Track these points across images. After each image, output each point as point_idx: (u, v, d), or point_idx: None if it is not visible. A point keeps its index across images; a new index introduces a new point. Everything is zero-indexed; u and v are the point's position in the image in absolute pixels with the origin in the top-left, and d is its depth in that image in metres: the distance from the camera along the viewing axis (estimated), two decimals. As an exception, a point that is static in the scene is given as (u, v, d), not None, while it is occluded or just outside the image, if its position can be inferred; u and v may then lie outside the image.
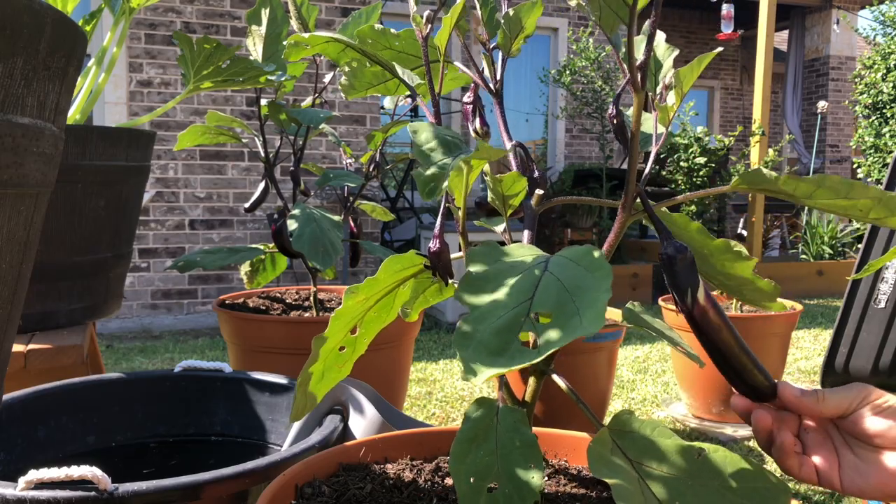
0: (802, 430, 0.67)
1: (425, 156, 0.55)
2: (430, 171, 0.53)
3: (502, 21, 0.72)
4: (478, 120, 0.74)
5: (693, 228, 0.72)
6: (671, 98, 0.73)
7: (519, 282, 0.52)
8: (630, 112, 0.65)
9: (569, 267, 0.53)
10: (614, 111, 0.67)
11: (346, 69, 0.81)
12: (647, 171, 0.70)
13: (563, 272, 0.53)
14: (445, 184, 0.52)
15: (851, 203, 0.61)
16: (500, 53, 0.75)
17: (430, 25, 0.71)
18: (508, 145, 0.71)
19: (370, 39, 0.77)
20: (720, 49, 0.90)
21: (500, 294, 0.52)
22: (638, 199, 0.66)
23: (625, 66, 0.62)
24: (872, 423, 0.62)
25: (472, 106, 0.74)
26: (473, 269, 0.54)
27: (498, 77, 0.74)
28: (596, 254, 0.54)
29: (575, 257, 0.54)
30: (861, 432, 0.63)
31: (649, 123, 0.74)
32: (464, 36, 0.75)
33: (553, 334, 0.47)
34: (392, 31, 0.78)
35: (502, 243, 0.64)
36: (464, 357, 0.47)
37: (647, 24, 0.63)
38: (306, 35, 0.75)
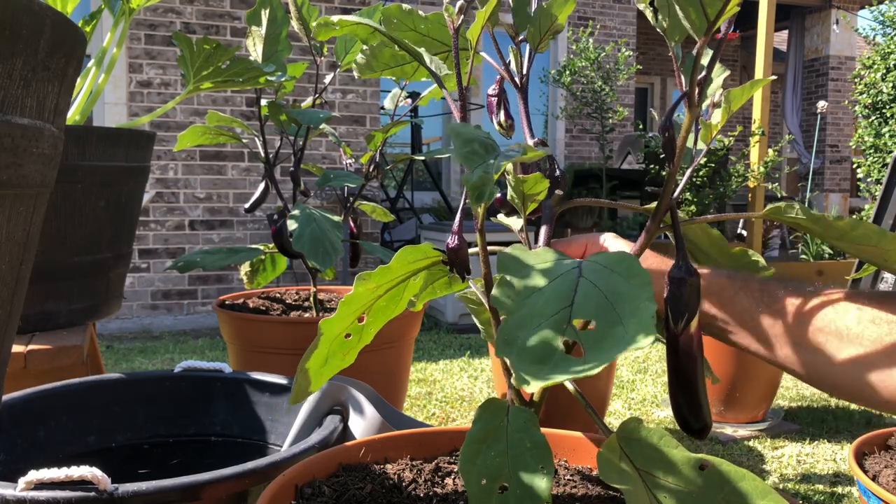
0: None
1: (469, 159, 0.54)
2: (477, 176, 0.52)
3: (533, 14, 0.71)
4: (502, 113, 0.73)
5: (713, 236, 0.72)
6: (717, 116, 0.72)
7: (555, 287, 0.52)
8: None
9: (604, 273, 0.52)
10: (666, 123, 0.65)
11: (365, 48, 0.80)
12: (681, 185, 0.70)
13: (599, 279, 0.51)
14: (493, 187, 0.52)
15: (881, 251, 0.61)
16: (528, 47, 0.74)
17: (461, 17, 0.70)
18: (531, 142, 0.70)
19: (395, 19, 0.76)
20: (774, 77, 0.90)
21: (538, 300, 0.51)
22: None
23: (682, 79, 0.61)
24: None
25: (496, 98, 0.74)
26: (506, 271, 0.53)
27: (524, 71, 0.73)
28: (632, 261, 0.52)
29: (609, 263, 0.53)
30: None
31: (689, 139, 0.74)
32: (493, 27, 0.74)
33: (599, 346, 0.46)
34: (420, 13, 0.77)
35: (507, 243, 0.64)
36: (513, 365, 0.47)
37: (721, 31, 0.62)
38: (336, 18, 0.74)
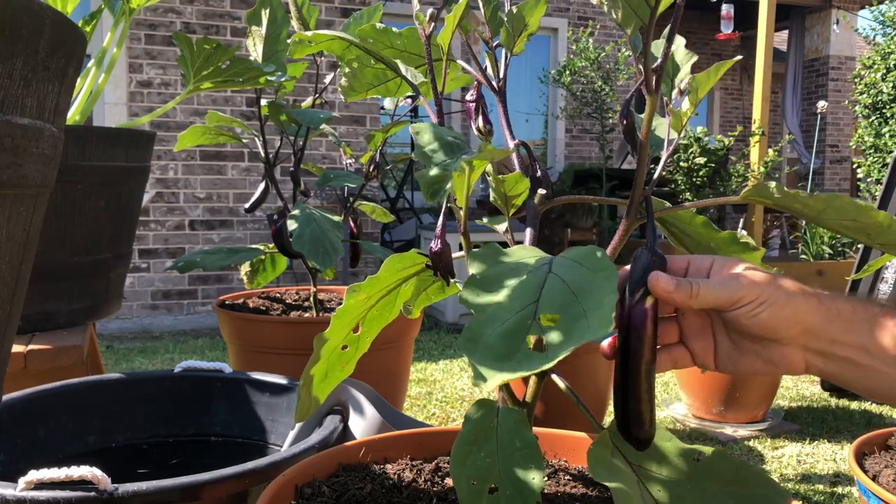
0: (681, 313, 0.65)
1: (428, 157, 0.55)
2: (433, 173, 0.53)
3: (505, 19, 0.71)
4: (481, 118, 0.73)
5: (698, 223, 0.72)
6: (686, 104, 0.72)
7: (523, 284, 0.52)
8: (641, 116, 0.64)
9: (573, 268, 0.52)
10: (624, 112, 0.65)
11: (346, 70, 0.81)
12: (656, 175, 0.70)
13: (567, 273, 0.52)
14: (449, 185, 0.52)
15: (860, 226, 0.61)
16: (504, 51, 0.74)
17: (433, 24, 0.70)
18: (511, 144, 0.71)
19: (371, 38, 0.77)
20: (739, 58, 0.89)
21: (505, 296, 0.51)
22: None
23: (641, 67, 0.61)
24: (747, 325, 0.59)
25: (475, 104, 0.74)
26: (476, 271, 0.54)
27: (501, 75, 0.74)
28: (599, 254, 0.53)
29: (578, 258, 0.53)
30: (736, 327, 0.61)
31: (661, 128, 0.74)
32: (467, 34, 0.74)
33: (561, 338, 0.46)
34: (394, 29, 0.78)
35: (504, 244, 0.64)
36: (473, 362, 0.47)
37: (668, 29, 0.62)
38: (310, 33, 0.75)
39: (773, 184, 0.60)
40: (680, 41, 0.74)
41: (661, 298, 0.59)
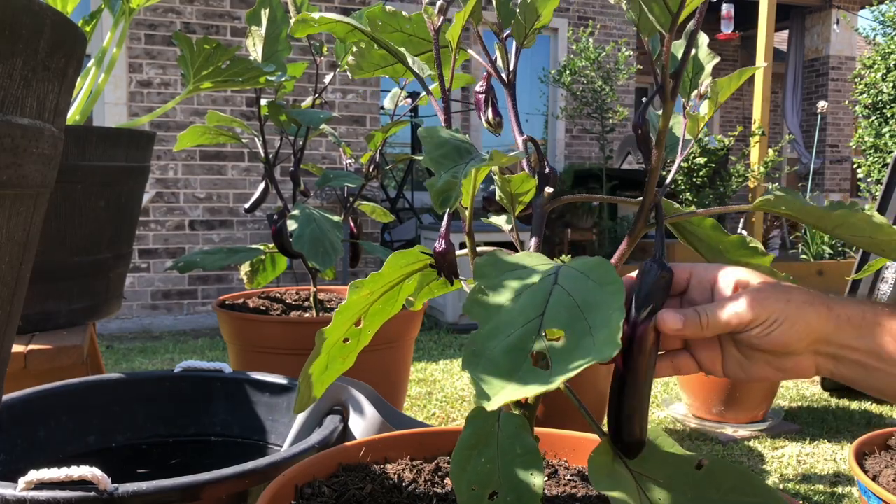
0: None
1: (437, 163, 0.53)
2: (443, 181, 0.51)
3: (517, 10, 0.70)
4: (490, 110, 0.72)
5: (707, 225, 0.72)
6: (704, 108, 0.71)
7: (529, 296, 0.51)
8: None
9: (579, 280, 0.51)
10: (639, 120, 0.64)
11: (354, 49, 0.80)
12: (669, 179, 0.69)
13: (573, 286, 0.51)
14: (459, 193, 0.51)
15: (875, 242, 0.61)
16: (514, 43, 0.73)
17: (441, 17, 0.69)
18: (520, 139, 0.70)
19: (380, 21, 0.76)
20: (765, 64, 0.88)
21: (510, 309, 0.50)
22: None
23: (658, 71, 0.60)
24: (758, 343, 0.59)
25: (484, 95, 0.73)
26: (481, 280, 0.52)
27: (511, 67, 0.73)
28: (607, 267, 0.52)
29: (585, 269, 0.52)
30: (747, 343, 0.60)
31: (674, 130, 0.73)
32: (477, 24, 0.73)
33: (566, 358, 0.45)
34: (403, 13, 0.76)
35: (510, 243, 0.64)
36: (475, 378, 0.46)
37: (690, 23, 0.60)
38: (316, 15, 0.74)
39: (791, 196, 0.60)
40: (703, 39, 0.73)
41: (671, 335, 0.59)
